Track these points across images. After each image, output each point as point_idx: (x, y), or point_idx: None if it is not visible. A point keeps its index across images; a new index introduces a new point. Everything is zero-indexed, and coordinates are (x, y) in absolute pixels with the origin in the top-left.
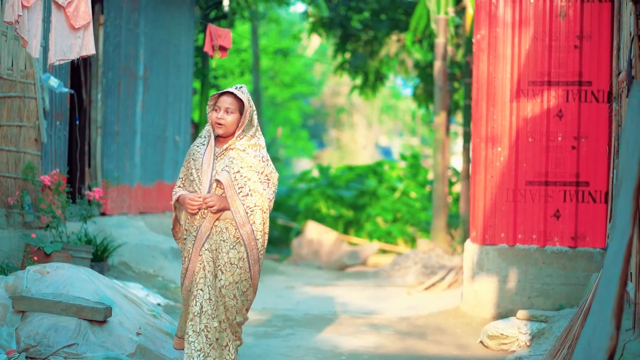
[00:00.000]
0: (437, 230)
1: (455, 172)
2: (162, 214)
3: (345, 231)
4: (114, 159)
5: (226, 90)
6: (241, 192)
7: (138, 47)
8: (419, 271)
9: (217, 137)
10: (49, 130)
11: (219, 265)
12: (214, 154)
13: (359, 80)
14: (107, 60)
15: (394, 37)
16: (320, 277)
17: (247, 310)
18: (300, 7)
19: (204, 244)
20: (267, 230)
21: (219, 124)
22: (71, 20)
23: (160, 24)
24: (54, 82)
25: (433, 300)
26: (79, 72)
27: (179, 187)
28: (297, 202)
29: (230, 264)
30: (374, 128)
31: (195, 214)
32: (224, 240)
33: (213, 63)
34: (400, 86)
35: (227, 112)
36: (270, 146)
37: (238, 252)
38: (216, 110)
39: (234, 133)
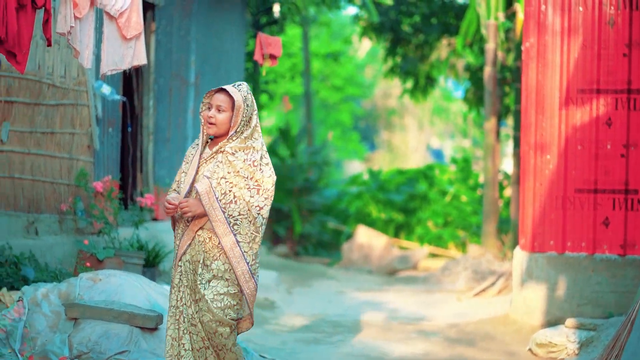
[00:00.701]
0: (488, 235)
1: (506, 176)
2: None
3: (396, 235)
4: (166, 164)
5: (220, 87)
6: (224, 198)
7: (189, 53)
8: (469, 277)
9: (213, 139)
10: (102, 137)
11: (201, 279)
12: (202, 157)
13: (409, 84)
14: (159, 67)
15: (444, 41)
16: (370, 281)
17: (233, 322)
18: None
19: (184, 252)
20: (258, 241)
21: (210, 123)
22: (123, 31)
23: (211, 30)
24: (106, 89)
25: (483, 307)
26: (130, 79)
27: (173, 190)
28: (347, 205)
29: (213, 276)
30: (425, 130)
31: (171, 215)
32: (205, 251)
33: (263, 71)
34: (451, 88)
35: (219, 110)
36: (321, 150)
37: (223, 264)
38: (209, 107)
39: (227, 134)
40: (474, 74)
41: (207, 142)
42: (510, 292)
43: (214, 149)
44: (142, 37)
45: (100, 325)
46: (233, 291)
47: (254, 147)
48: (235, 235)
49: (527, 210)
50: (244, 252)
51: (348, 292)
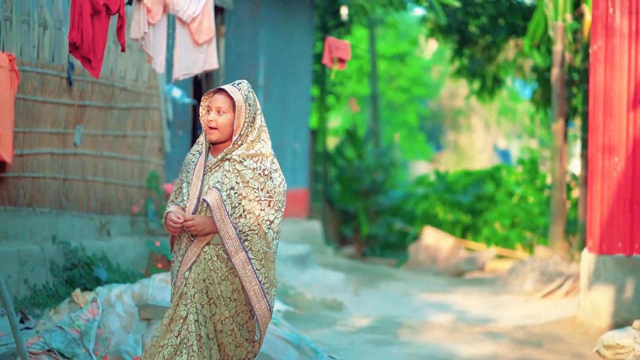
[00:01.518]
0: (555, 237)
1: (574, 177)
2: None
3: (463, 236)
4: None
5: (218, 87)
6: (234, 213)
7: (258, 56)
8: (536, 278)
9: (214, 145)
10: (172, 140)
11: (211, 298)
12: (207, 166)
13: (476, 85)
14: (228, 70)
15: (511, 43)
16: (437, 283)
17: (252, 343)
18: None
19: (189, 269)
20: (272, 258)
21: (211, 128)
22: (195, 36)
23: (279, 33)
24: (177, 92)
25: (550, 309)
26: (200, 82)
27: (171, 201)
28: (414, 206)
29: (223, 297)
30: (492, 130)
31: (176, 234)
32: (214, 270)
33: (332, 75)
34: (518, 88)
35: (219, 112)
36: (388, 152)
37: (232, 284)
38: (209, 110)
39: (231, 138)
40: (541, 75)
41: (209, 147)
42: (577, 294)
43: (220, 156)
44: (214, 41)
45: None
46: (242, 310)
47: (263, 154)
48: (246, 252)
49: (595, 213)
50: (256, 269)
51: (415, 294)
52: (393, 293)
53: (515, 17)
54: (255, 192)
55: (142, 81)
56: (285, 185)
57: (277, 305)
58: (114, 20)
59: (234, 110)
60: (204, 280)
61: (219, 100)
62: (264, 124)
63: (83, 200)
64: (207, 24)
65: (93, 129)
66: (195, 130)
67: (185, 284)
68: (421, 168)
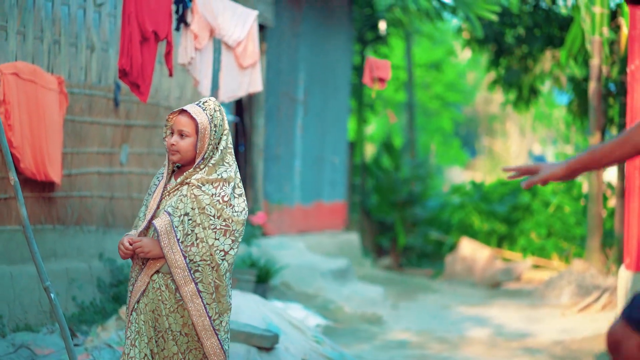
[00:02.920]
0: (592, 250)
1: (610, 186)
2: (320, 234)
3: (499, 246)
4: (275, 181)
5: (181, 108)
6: (185, 240)
7: (298, 72)
8: (572, 291)
9: (180, 167)
10: None
11: (159, 332)
12: (166, 189)
13: (512, 95)
14: (269, 87)
15: (547, 54)
16: (474, 295)
17: None
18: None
19: (138, 301)
20: (223, 292)
21: (173, 151)
22: (240, 60)
23: (319, 48)
24: None
25: (587, 323)
26: (241, 99)
27: (134, 226)
28: (450, 216)
29: (172, 331)
30: (527, 136)
31: (128, 258)
32: (162, 301)
33: (372, 94)
34: (554, 95)
35: (181, 135)
36: (424, 164)
37: (182, 317)
38: (172, 133)
39: (194, 161)
40: (578, 86)
41: (173, 171)
42: (614, 308)
43: (179, 180)
44: (258, 65)
45: None
46: (194, 346)
47: (224, 179)
48: (196, 284)
49: (632, 230)
50: (206, 304)
51: (453, 307)
52: (431, 306)
53: (551, 27)
54: (210, 219)
55: (186, 99)
56: (247, 213)
57: (317, 319)
58: (161, 46)
59: (197, 133)
60: (152, 311)
61: (182, 122)
62: (230, 146)
63: (129, 217)
64: (252, 48)
65: (138, 148)
66: (237, 147)
67: (136, 316)
68: (456, 174)
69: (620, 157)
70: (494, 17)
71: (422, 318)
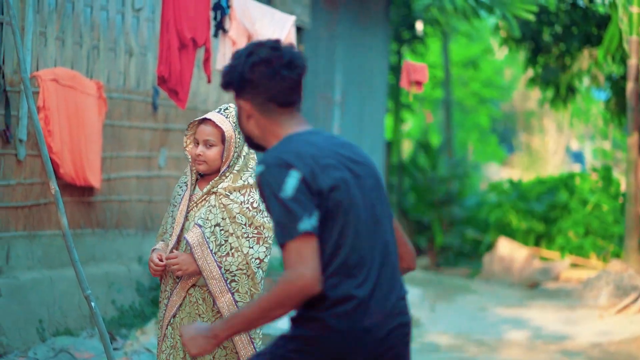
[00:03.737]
0: (630, 250)
1: None
2: None
3: (536, 245)
4: None
5: (205, 116)
6: (219, 251)
7: (334, 73)
8: (610, 292)
9: (202, 176)
10: None
11: None
12: (192, 200)
13: (550, 94)
14: (306, 89)
15: (585, 52)
16: (511, 296)
17: None
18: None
19: (174, 315)
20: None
21: (199, 162)
22: None
23: (355, 49)
24: None
25: (625, 325)
26: None
27: (159, 235)
28: (487, 214)
29: None
30: (564, 132)
31: (159, 276)
32: (199, 315)
33: (410, 97)
34: (592, 91)
35: (207, 145)
36: (462, 163)
37: None
38: (196, 142)
39: (219, 169)
40: (616, 84)
41: (197, 179)
42: None
43: (205, 190)
44: None
45: None
46: (232, 357)
47: (250, 186)
48: (232, 294)
49: None
50: None
51: (490, 308)
52: (469, 307)
53: (589, 26)
54: (243, 228)
55: (224, 102)
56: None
57: None
58: (199, 53)
59: (222, 142)
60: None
61: (207, 132)
62: (252, 151)
63: None
64: None
65: (176, 152)
66: None
67: (172, 331)
68: (493, 170)
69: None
70: (531, 17)
71: (459, 320)
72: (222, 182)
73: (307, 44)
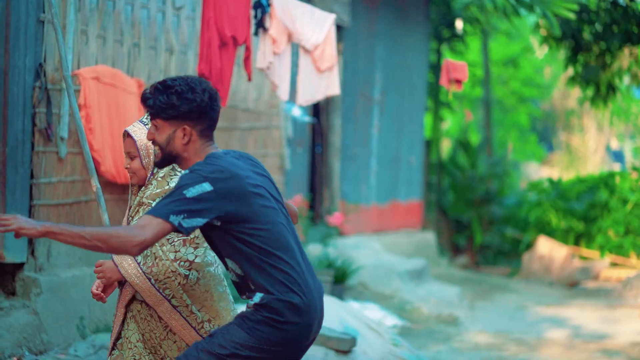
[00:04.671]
0: None
1: None
2: (396, 233)
3: (576, 244)
4: (351, 181)
5: (125, 129)
6: (147, 262)
7: (374, 72)
8: None
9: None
10: (292, 157)
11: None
12: (129, 212)
13: (590, 92)
14: (346, 87)
15: (626, 51)
16: (551, 295)
17: None
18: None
19: (119, 336)
20: (208, 300)
21: (130, 174)
22: (318, 63)
23: (395, 47)
24: (297, 111)
25: None
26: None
27: None
28: (527, 213)
29: (170, 357)
30: (604, 131)
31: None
32: (152, 331)
33: (449, 95)
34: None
35: (130, 157)
36: (501, 162)
37: (174, 342)
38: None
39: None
40: None
41: (132, 192)
42: None
43: (136, 201)
44: (336, 68)
45: None
46: None
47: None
48: (169, 300)
49: None
50: (186, 316)
51: (530, 307)
52: (508, 306)
53: (629, 24)
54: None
55: (263, 101)
56: None
57: (394, 320)
58: (240, 51)
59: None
60: (147, 341)
61: (127, 143)
62: None
63: None
64: (330, 51)
65: None
66: (314, 147)
67: (118, 352)
68: (533, 169)
69: (83, 246)
70: (572, 15)
71: (499, 319)
72: (147, 190)
73: (347, 43)
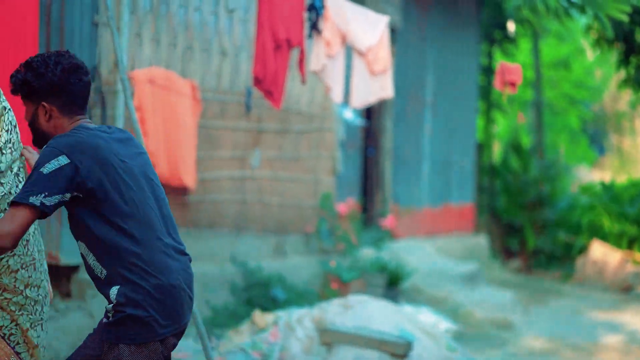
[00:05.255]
0: None
1: None
2: (448, 237)
3: (629, 248)
4: (403, 183)
5: None
6: None
7: (426, 74)
8: None
9: None
10: (344, 160)
11: None
12: None
13: None
14: (397, 90)
15: None
16: (605, 300)
17: None
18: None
19: None
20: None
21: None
22: (371, 66)
23: (446, 50)
24: (349, 114)
25: None
26: None
27: None
28: (579, 217)
29: None
30: None
31: None
32: None
33: (504, 97)
34: None
35: None
36: (554, 165)
37: None
38: None
39: None
40: None
41: None
42: None
43: None
44: (389, 70)
45: (352, 350)
46: None
47: None
48: None
49: None
50: None
51: (584, 312)
52: (562, 311)
53: None
54: None
55: (316, 103)
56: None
57: (448, 325)
58: (294, 53)
59: None
60: None
61: None
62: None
63: (259, 221)
64: (383, 54)
65: (269, 152)
66: (366, 150)
67: None
68: (584, 172)
69: None
70: (625, 17)
71: (553, 324)
72: None
73: (398, 45)
